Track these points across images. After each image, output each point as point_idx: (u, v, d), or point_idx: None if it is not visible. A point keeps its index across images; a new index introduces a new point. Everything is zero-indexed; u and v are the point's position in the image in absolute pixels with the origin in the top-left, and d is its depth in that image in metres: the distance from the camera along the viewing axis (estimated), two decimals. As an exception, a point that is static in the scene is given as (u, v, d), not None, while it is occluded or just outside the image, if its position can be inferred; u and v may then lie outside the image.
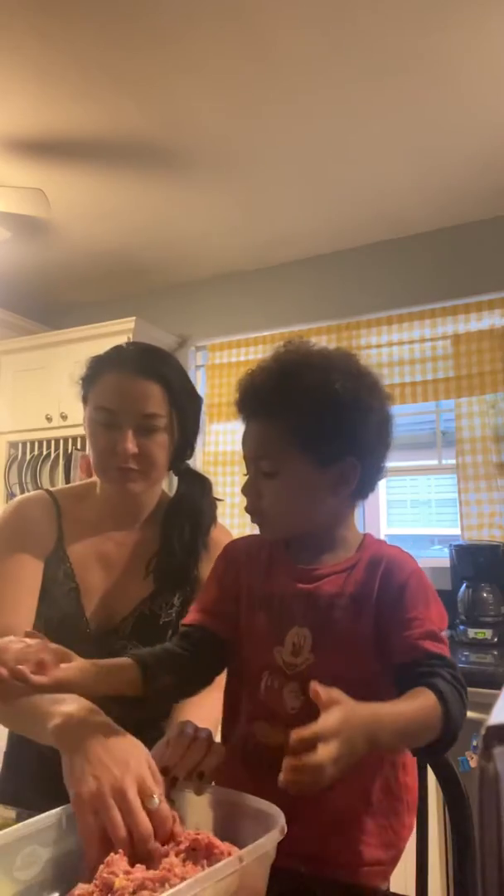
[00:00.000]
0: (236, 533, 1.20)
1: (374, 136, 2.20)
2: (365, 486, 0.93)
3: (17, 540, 1.19)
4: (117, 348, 1.21)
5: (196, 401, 1.25)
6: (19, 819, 0.86)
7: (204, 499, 1.25)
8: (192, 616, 1.00)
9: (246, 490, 0.93)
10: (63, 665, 0.83)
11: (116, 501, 1.22)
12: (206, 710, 1.03)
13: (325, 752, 0.62)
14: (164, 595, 1.19)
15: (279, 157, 2.32)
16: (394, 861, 0.91)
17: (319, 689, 0.67)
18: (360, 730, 0.67)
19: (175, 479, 1.30)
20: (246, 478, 0.95)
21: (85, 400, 1.20)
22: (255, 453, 0.92)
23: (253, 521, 0.96)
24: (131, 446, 1.13)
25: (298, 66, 1.88)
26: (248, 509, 0.95)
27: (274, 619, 0.93)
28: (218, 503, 1.29)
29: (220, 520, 1.29)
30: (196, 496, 1.25)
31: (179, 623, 1.13)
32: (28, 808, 0.88)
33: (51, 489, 1.28)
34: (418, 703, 0.76)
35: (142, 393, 1.15)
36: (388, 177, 2.45)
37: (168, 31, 1.74)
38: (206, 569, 1.17)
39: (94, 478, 1.26)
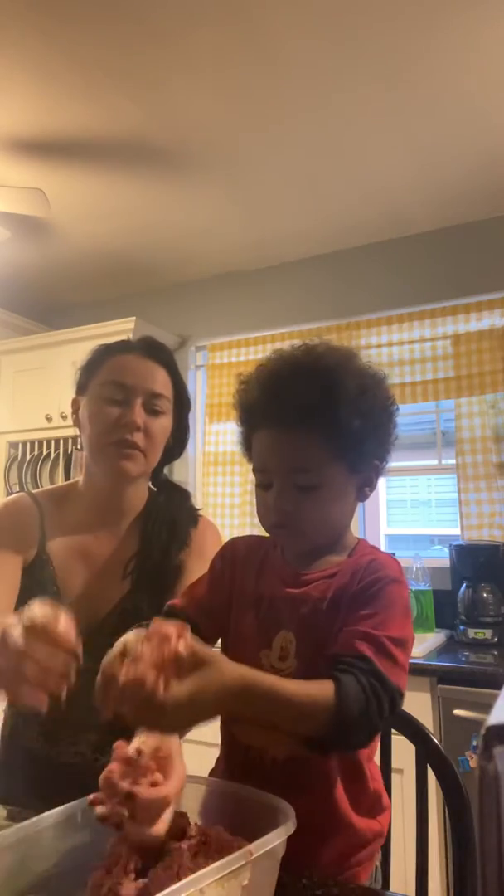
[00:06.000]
0: (235, 534, 1.20)
1: (373, 136, 2.20)
2: (374, 487, 0.94)
3: None
4: (125, 340, 1.25)
5: (189, 402, 1.27)
6: (10, 817, 0.87)
7: (182, 504, 1.26)
8: (181, 601, 0.99)
9: (277, 504, 0.87)
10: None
11: (102, 497, 1.22)
12: None
13: (170, 695, 0.66)
14: (143, 592, 1.20)
15: (279, 157, 2.32)
16: (371, 858, 0.91)
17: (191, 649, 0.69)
18: (221, 687, 0.69)
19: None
20: (267, 490, 0.89)
21: (83, 388, 1.21)
22: (292, 465, 0.86)
23: (277, 534, 0.92)
24: (139, 419, 1.14)
25: (298, 67, 1.88)
26: (275, 523, 0.89)
27: (262, 622, 0.92)
28: (205, 501, 1.30)
29: (216, 520, 1.29)
30: (174, 503, 1.26)
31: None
32: (18, 805, 0.89)
33: (32, 491, 1.28)
34: (310, 688, 0.74)
35: (152, 372, 1.18)
36: (388, 177, 2.45)
37: (168, 30, 1.74)
38: (191, 563, 1.19)
39: (77, 477, 1.27)
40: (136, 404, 1.15)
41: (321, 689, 0.74)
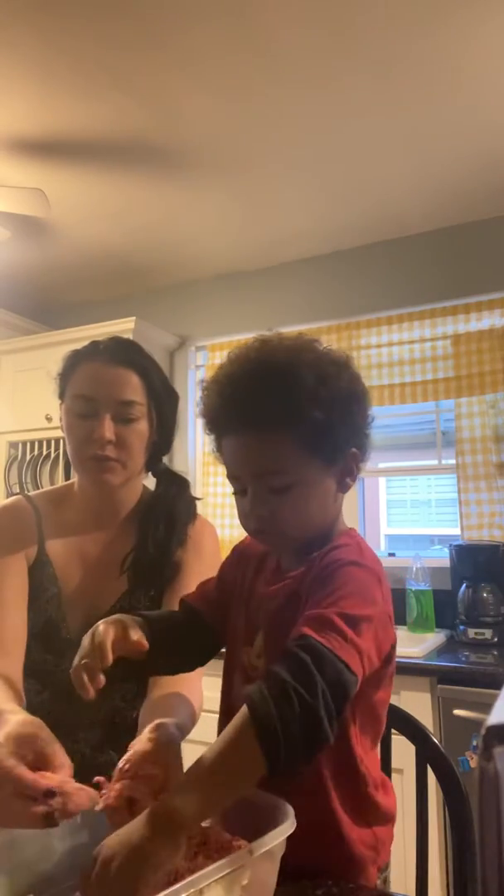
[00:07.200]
0: (235, 534, 1.20)
1: (374, 135, 2.20)
2: (355, 476, 0.92)
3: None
4: (94, 343, 1.21)
5: (173, 396, 1.24)
6: None
7: (180, 497, 1.25)
8: (192, 595, 1.02)
9: (254, 510, 0.85)
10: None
11: (95, 499, 1.22)
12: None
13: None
14: (140, 590, 1.20)
15: (279, 157, 2.32)
16: (381, 858, 0.90)
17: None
18: (145, 841, 0.62)
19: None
20: (244, 496, 0.87)
21: (62, 395, 1.21)
22: (262, 469, 0.83)
23: (259, 539, 0.91)
24: (108, 433, 1.12)
25: (299, 67, 1.88)
26: (255, 529, 0.87)
27: (249, 620, 0.93)
28: (205, 500, 1.28)
29: (216, 520, 1.29)
30: (173, 495, 1.25)
31: None
32: None
33: (29, 493, 1.28)
34: (228, 731, 0.67)
35: (119, 380, 1.15)
36: (388, 177, 2.45)
37: (168, 30, 1.74)
38: (189, 560, 1.19)
39: (73, 479, 1.26)
40: (104, 418, 1.13)
41: (236, 723, 0.68)
